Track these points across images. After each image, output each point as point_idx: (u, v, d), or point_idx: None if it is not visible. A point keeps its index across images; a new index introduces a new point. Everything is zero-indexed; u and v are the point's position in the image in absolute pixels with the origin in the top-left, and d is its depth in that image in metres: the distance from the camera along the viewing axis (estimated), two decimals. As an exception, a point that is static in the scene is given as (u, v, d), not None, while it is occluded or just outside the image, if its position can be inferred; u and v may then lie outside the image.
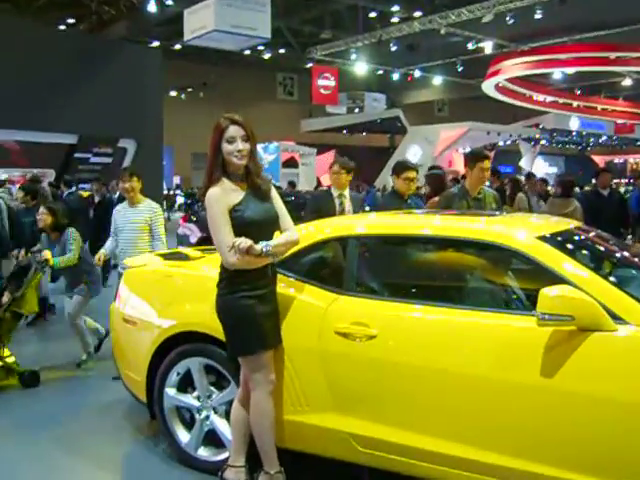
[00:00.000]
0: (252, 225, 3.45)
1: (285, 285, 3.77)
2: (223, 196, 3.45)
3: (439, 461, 3.26)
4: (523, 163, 36.40)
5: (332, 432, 3.52)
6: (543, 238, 3.38)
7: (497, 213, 4.65)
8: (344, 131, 38.94)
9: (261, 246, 3.36)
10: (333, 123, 36.68)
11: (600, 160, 48.32)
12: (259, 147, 22.88)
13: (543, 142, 38.46)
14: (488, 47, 26.21)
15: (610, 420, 2.87)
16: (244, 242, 3.31)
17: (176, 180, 36.08)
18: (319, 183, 31.21)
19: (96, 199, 12.12)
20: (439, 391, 3.26)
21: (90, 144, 20.32)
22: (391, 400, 3.41)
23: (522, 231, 3.51)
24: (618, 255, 3.94)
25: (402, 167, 5.97)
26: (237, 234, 3.38)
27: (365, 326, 3.44)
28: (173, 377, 4.05)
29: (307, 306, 3.67)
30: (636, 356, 2.87)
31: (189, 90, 34.07)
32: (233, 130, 3.45)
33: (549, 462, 3.00)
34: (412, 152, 32.46)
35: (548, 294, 2.90)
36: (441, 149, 32.50)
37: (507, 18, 21.03)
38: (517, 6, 20.50)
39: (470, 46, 25.81)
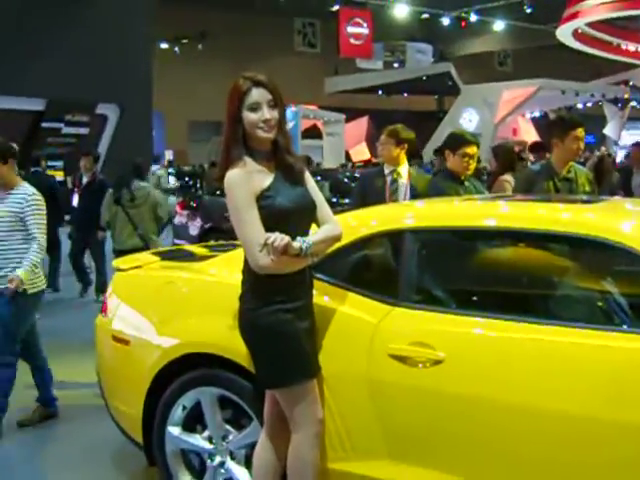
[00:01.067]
0: (286, 216, 3.39)
1: (321, 294, 3.74)
2: (247, 179, 3.38)
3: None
4: (608, 130, 36.17)
5: (386, 485, 3.50)
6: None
7: (599, 198, 4.58)
8: (380, 92, 38.98)
9: (299, 243, 3.30)
10: (366, 82, 36.72)
11: None
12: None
13: (634, 103, 38.10)
14: (565, -17, 26.03)
15: None
16: (280, 238, 3.22)
17: (168, 155, 36.23)
18: (348, 158, 31.29)
19: (84, 180, 11.53)
20: (528, 435, 3.20)
21: (61, 111, 20.52)
22: (463, 445, 3.36)
23: (633, 222, 3.49)
24: None
25: (459, 140, 5.90)
26: (267, 228, 3.31)
27: (429, 347, 3.39)
28: (178, 412, 4.03)
29: (352, 321, 3.64)
30: None
31: (184, 42, 34.28)
32: (257, 94, 3.37)
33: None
34: (466, 118, 32.49)
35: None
36: (504, 114, 32.48)
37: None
38: None
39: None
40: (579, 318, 3.37)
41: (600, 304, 3.52)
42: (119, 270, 4.67)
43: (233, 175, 3.38)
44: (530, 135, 35.52)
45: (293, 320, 3.41)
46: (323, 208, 3.57)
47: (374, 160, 26.38)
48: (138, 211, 7.56)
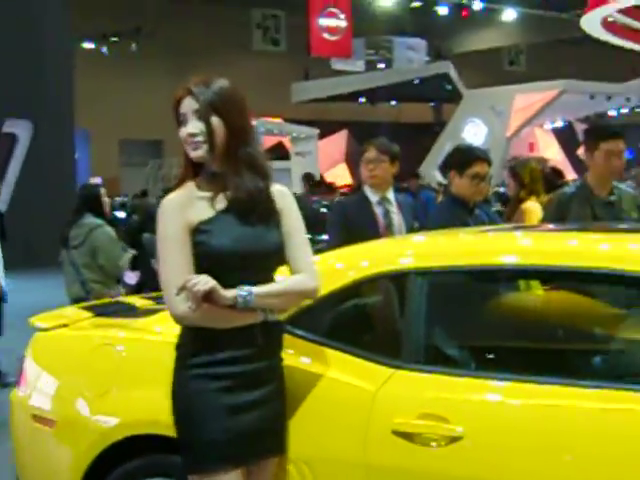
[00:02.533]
0: (225, 259, 3.43)
1: (302, 354, 3.79)
2: (182, 207, 3.47)
3: None
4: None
5: None
6: None
7: None
8: (362, 99, 39.32)
9: (234, 293, 3.31)
10: (344, 87, 37.00)
11: None
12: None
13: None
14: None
15: None
16: (203, 282, 3.23)
17: (95, 181, 36.26)
18: (323, 182, 31.40)
19: None
20: None
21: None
22: None
23: None
24: None
25: (467, 157, 6.00)
26: (201, 271, 3.35)
27: (443, 421, 3.40)
28: None
29: (343, 389, 3.65)
30: None
31: (114, 40, 34.43)
32: (184, 104, 3.48)
33: None
34: (471, 131, 32.90)
35: None
36: (518, 124, 32.83)
37: None
38: None
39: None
40: (633, 379, 3.39)
41: None
42: (40, 330, 4.63)
43: (167, 201, 3.50)
44: (551, 151, 35.94)
45: (217, 391, 3.42)
46: (298, 252, 3.56)
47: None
48: (78, 253, 7.62)
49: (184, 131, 3.44)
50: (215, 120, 3.42)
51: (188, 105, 3.44)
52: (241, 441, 3.49)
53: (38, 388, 4.42)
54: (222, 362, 3.44)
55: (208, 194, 3.49)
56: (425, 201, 16.20)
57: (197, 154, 3.45)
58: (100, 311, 4.92)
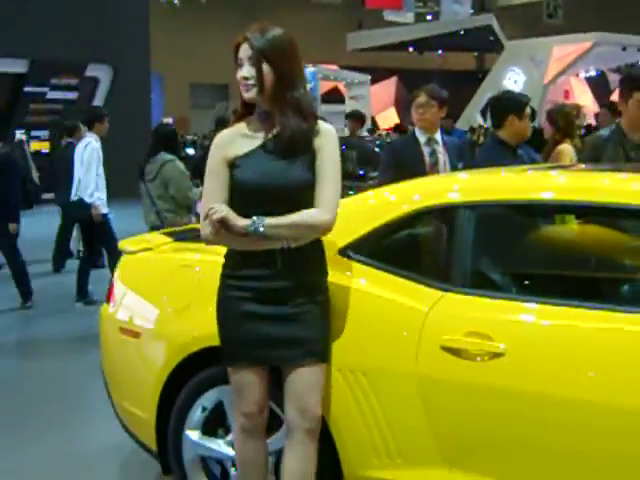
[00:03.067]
0: (247, 191, 3.52)
1: (362, 278, 3.82)
2: (227, 143, 3.61)
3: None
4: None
5: (439, 496, 3.57)
6: None
7: None
8: (410, 49, 38.94)
9: (247, 222, 3.40)
10: (394, 37, 36.68)
11: None
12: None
13: None
14: None
15: None
16: (219, 211, 3.38)
17: (167, 121, 36.32)
18: (375, 125, 31.30)
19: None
20: (603, 437, 3.24)
21: (46, 73, 20.60)
22: (529, 450, 3.40)
23: None
24: None
25: (523, 102, 6.01)
26: (233, 200, 3.51)
27: (487, 339, 3.43)
28: (197, 414, 4.10)
29: (397, 309, 3.68)
30: None
31: (184, -6, 34.29)
32: (242, 50, 3.51)
33: None
34: (511, 78, 32.54)
35: None
36: (554, 73, 32.45)
37: None
38: None
39: None
40: None
41: None
42: (126, 253, 4.72)
43: (217, 137, 3.69)
44: (585, 98, 35.43)
45: (241, 300, 3.59)
46: (320, 188, 3.54)
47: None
48: (153, 186, 7.75)
49: (239, 74, 3.49)
50: (265, 66, 3.44)
51: (244, 51, 3.48)
52: (256, 344, 3.61)
53: (125, 304, 4.50)
54: (245, 277, 3.59)
55: (254, 132, 3.58)
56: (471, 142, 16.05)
57: (248, 95, 3.50)
58: (179, 237, 4.94)
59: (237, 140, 3.59)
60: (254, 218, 3.39)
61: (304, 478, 3.66)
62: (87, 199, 9.39)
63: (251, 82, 3.47)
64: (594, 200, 3.67)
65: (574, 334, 3.37)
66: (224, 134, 3.66)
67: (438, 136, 6.16)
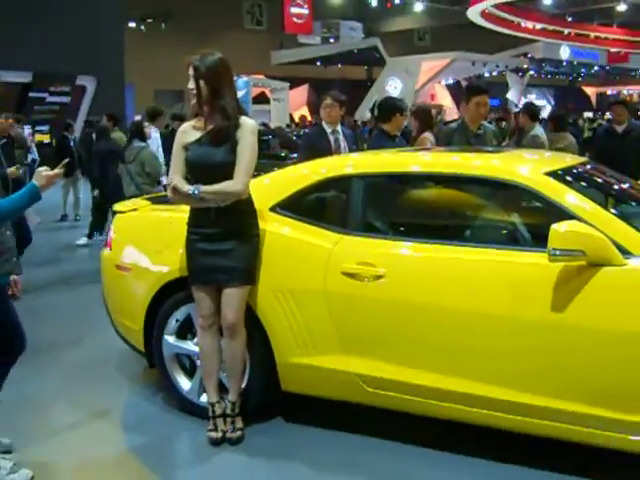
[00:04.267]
0: (192, 167, 3.79)
1: (287, 227, 3.92)
2: (184, 133, 3.84)
3: (447, 398, 3.48)
4: (510, 95, 36.49)
5: (339, 373, 3.70)
6: (551, 174, 3.55)
7: (502, 149, 4.83)
8: (318, 63, 38.50)
9: (189, 188, 3.68)
10: (306, 54, 36.20)
11: (592, 92, 48.59)
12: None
13: (531, 73, 38.49)
14: (474, -30, 26.09)
15: (616, 351, 3.12)
16: (174, 181, 3.74)
17: (137, 119, 35.62)
18: (292, 120, 31.14)
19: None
20: (448, 330, 3.45)
21: (46, 82, 20.08)
22: (399, 340, 3.59)
23: (530, 167, 3.69)
24: (626, 191, 4.13)
25: (399, 104, 6.09)
26: (187, 172, 3.82)
27: (372, 266, 3.59)
28: (172, 324, 4.15)
29: (312, 247, 3.80)
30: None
31: (149, 21, 33.36)
32: (189, 68, 3.72)
33: (558, 395, 3.24)
34: (392, 85, 32.42)
35: (559, 229, 3.08)
36: (423, 81, 32.48)
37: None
38: None
39: (454, -31, 25.70)
40: (488, 241, 3.62)
41: (504, 231, 3.81)
42: (118, 212, 4.69)
43: (181, 127, 3.94)
44: (446, 99, 35.72)
45: (194, 241, 3.82)
46: (238, 167, 3.68)
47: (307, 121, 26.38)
48: (132, 166, 7.77)
49: (188, 86, 3.72)
50: (201, 82, 3.66)
51: (190, 70, 3.69)
52: (203, 270, 3.79)
53: (120, 248, 4.47)
54: (196, 225, 3.82)
55: (198, 126, 3.78)
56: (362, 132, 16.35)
57: (192, 101, 3.75)
58: (155, 201, 4.95)
59: (190, 131, 3.81)
60: (192, 186, 3.67)
61: (233, 358, 3.83)
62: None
63: (193, 92, 3.70)
64: (442, 171, 3.89)
65: (431, 261, 3.55)
66: (184, 126, 3.87)
67: (339, 128, 6.17)
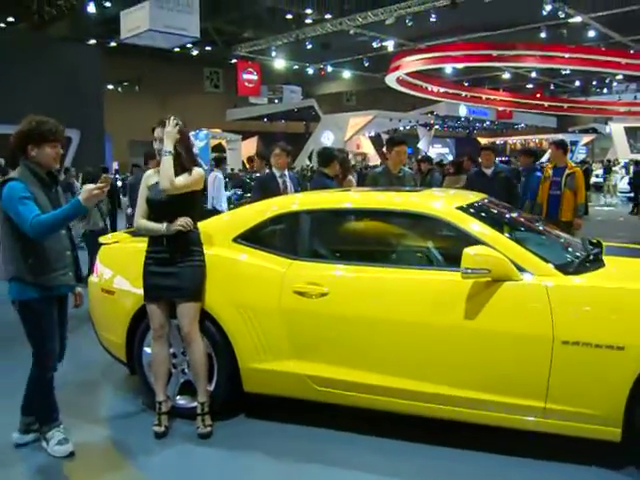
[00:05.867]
0: (150, 203, 3.82)
1: (247, 254, 3.89)
2: (147, 177, 3.89)
3: (381, 392, 3.49)
4: (421, 145, 37.23)
5: (292, 375, 3.67)
6: (461, 208, 3.63)
7: (420, 189, 4.89)
8: (265, 119, 38.68)
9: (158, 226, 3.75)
10: (255, 112, 36.32)
11: (484, 142, 49.86)
12: (191, 134, 22.53)
13: (437, 127, 39.45)
14: (390, 46, 26.73)
15: (512, 349, 3.20)
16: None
17: (115, 165, 34.95)
18: (244, 165, 31.04)
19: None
20: (380, 335, 3.46)
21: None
22: (341, 345, 3.58)
23: (444, 202, 3.76)
24: (516, 219, 4.24)
25: (332, 156, 6.00)
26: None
27: (318, 285, 3.59)
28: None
29: (267, 271, 3.77)
30: (535, 297, 3.18)
31: (125, 84, 32.96)
32: (157, 130, 3.81)
33: (469, 386, 3.30)
34: (325, 137, 32.66)
35: (469, 252, 3.17)
36: (350, 134, 32.85)
37: (407, 21, 21.65)
38: (415, 10, 21.08)
39: (375, 45, 26.30)
40: (412, 263, 3.70)
41: (421, 254, 3.86)
42: (103, 244, 4.57)
43: (146, 173, 3.96)
44: (369, 149, 36.30)
45: (148, 265, 3.81)
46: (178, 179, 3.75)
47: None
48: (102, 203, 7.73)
49: (155, 146, 3.79)
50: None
51: (156, 133, 3.76)
52: (155, 289, 3.76)
53: (104, 274, 4.36)
54: (151, 251, 3.81)
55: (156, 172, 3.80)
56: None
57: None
58: (134, 234, 4.68)
59: (152, 176, 3.83)
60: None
61: (195, 362, 3.77)
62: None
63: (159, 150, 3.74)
64: (373, 207, 3.94)
65: (365, 280, 3.57)
66: (148, 172, 3.91)
67: (286, 172, 6.15)
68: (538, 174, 7.29)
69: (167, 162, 3.65)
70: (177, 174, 3.67)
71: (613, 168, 25.80)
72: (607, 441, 3.17)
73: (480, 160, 7.41)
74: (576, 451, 3.37)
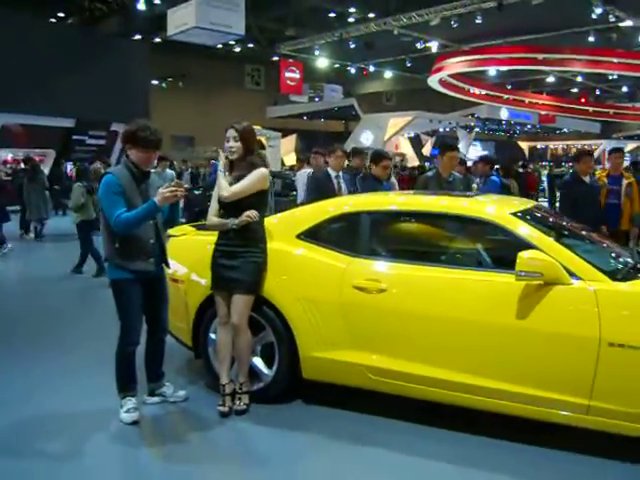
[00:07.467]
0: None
1: (310, 251, 4.12)
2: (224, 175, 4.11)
3: (432, 384, 3.70)
4: (460, 147, 36.96)
5: (349, 364, 3.90)
6: (515, 214, 3.83)
7: (469, 193, 5.07)
8: (305, 117, 38.79)
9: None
10: (295, 110, 36.40)
11: (525, 146, 49.45)
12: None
13: (477, 129, 39.08)
14: (434, 47, 26.59)
15: (561, 349, 3.38)
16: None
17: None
18: (283, 163, 31.33)
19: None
20: (434, 331, 3.66)
21: (86, 127, 20.19)
22: (396, 338, 3.79)
23: (499, 208, 3.94)
24: (566, 227, 4.40)
25: (381, 156, 6.11)
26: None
27: (377, 281, 3.80)
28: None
29: (329, 266, 4.00)
30: (584, 301, 3.36)
31: (169, 80, 33.53)
32: (230, 131, 4.06)
33: (519, 382, 3.47)
34: (364, 137, 32.56)
35: (524, 256, 3.36)
36: (390, 134, 32.74)
37: (452, 22, 21.54)
38: (460, 12, 20.99)
39: (418, 45, 26.27)
40: (464, 264, 3.86)
41: (475, 256, 4.01)
42: (173, 236, 4.69)
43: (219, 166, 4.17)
44: (408, 150, 36.20)
45: (215, 256, 4.09)
46: (236, 185, 4.04)
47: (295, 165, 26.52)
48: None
49: (227, 145, 4.03)
50: (239, 142, 4.00)
51: (230, 132, 4.01)
52: (219, 280, 4.03)
53: (174, 266, 4.42)
54: (218, 244, 4.08)
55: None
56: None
57: (232, 157, 4.02)
58: (200, 227, 4.95)
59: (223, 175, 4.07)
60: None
61: (239, 350, 4.04)
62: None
63: (234, 150, 4.01)
64: (423, 209, 4.13)
65: (421, 278, 3.76)
66: (219, 173, 4.09)
67: (341, 173, 6.29)
68: (494, 179, 7.65)
69: (221, 178, 4.02)
70: (246, 174, 3.97)
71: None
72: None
73: (578, 168, 6.47)
74: (612, 446, 3.54)
